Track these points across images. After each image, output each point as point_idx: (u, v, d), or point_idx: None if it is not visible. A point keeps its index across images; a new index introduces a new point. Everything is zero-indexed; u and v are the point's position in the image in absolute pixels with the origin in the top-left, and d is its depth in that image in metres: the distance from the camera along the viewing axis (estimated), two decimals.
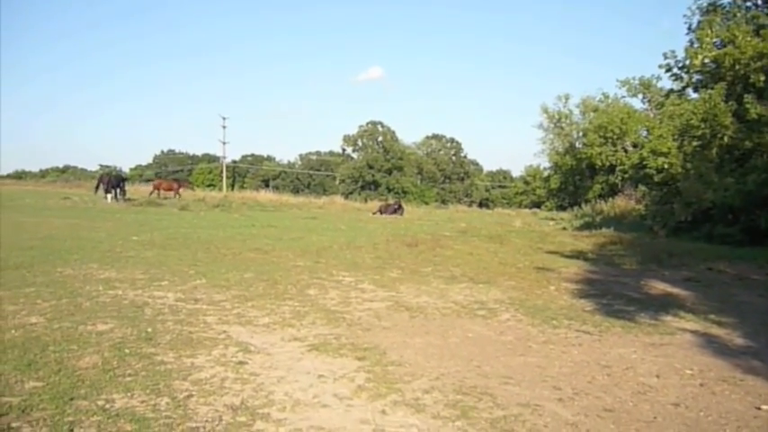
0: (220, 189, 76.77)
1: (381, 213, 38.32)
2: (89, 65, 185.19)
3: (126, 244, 15.29)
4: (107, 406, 5.00)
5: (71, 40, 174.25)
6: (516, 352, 7.45)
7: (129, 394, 5.29)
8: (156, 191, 43.99)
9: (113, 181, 36.71)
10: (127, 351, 6.47)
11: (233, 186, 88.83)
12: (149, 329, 7.42)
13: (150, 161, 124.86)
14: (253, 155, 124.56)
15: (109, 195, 35.30)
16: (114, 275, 11.03)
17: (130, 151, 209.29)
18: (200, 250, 14.71)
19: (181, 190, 45.19)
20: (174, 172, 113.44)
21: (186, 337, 7.24)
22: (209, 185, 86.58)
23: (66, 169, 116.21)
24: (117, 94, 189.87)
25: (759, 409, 5.75)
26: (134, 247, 14.89)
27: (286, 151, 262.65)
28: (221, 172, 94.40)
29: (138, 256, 13.49)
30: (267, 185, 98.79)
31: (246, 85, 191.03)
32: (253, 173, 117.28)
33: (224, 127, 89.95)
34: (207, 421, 4.82)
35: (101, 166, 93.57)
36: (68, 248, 13.98)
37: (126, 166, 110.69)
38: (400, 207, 41.33)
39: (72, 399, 5.09)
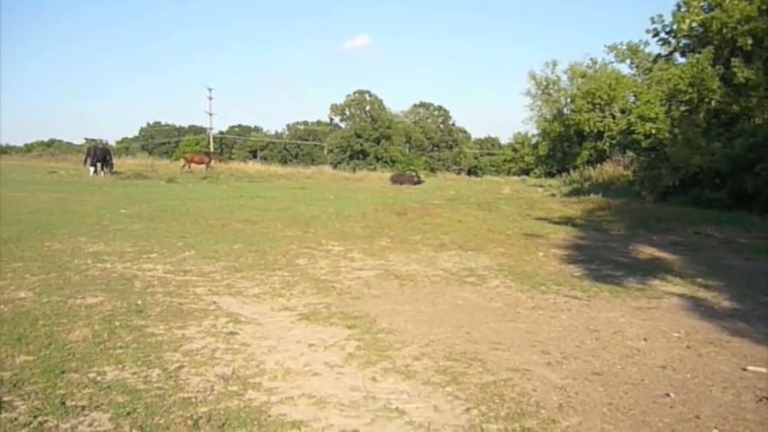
0: None
1: (398, 183, 37.91)
2: (75, 40, 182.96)
3: (114, 217, 15.23)
4: (98, 378, 5.00)
5: (57, 17, 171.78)
6: (505, 318, 7.50)
7: (120, 366, 5.29)
8: (188, 164, 43.76)
9: (99, 154, 36.28)
10: (117, 324, 6.46)
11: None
12: (139, 302, 7.42)
13: (136, 134, 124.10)
14: (240, 126, 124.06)
15: (91, 168, 34.86)
16: (103, 248, 10.99)
17: (116, 124, 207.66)
18: (188, 222, 14.68)
19: (212, 163, 45.01)
20: (161, 144, 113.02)
21: (176, 308, 7.24)
22: (184, 157, 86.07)
23: (51, 143, 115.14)
24: (102, 67, 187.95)
25: (745, 369, 5.81)
26: (122, 219, 14.83)
27: (273, 122, 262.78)
28: (208, 143, 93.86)
29: (127, 228, 13.44)
30: (255, 156, 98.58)
31: (232, 55, 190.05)
32: (240, 144, 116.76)
33: (210, 98, 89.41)
34: (198, 391, 4.84)
35: (86, 139, 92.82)
36: (56, 222, 13.91)
37: (112, 139, 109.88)
38: (418, 178, 41.13)
39: (63, 372, 5.08)
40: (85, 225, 13.73)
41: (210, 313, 7.13)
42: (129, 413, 4.38)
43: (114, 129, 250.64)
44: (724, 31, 27.98)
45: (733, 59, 27.49)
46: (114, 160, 39.41)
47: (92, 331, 6.16)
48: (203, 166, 44.04)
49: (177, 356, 5.62)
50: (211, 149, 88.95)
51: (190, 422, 4.28)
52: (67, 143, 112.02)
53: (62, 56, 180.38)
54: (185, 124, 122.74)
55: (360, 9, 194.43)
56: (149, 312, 7.00)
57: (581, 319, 7.57)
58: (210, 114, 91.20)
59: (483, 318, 7.45)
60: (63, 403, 4.49)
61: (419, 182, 39.03)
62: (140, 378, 5.05)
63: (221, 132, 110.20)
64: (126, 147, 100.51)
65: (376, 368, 5.52)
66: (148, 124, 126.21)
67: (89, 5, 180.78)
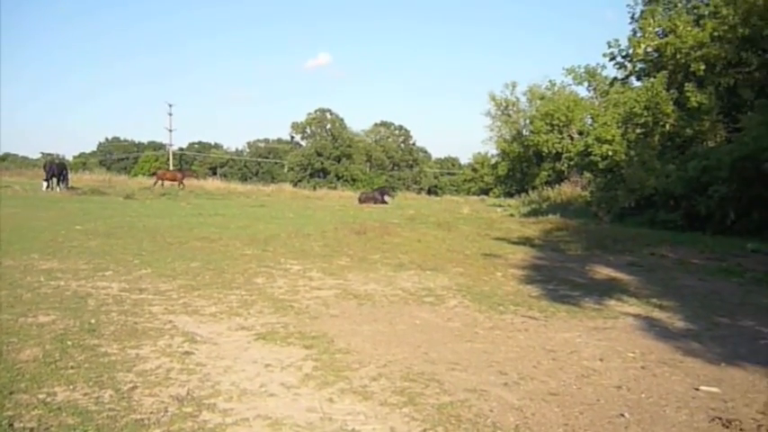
0: None
1: (362, 203, 37.22)
2: (31, 50, 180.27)
3: (69, 233, 14.96)
4: (48, 399, 4.90)
5: (18, 34, 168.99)
6: (463, 338, 7.51)
7: (71, 387, 5.19)
8: (160, 181, 43.11)
9: (54, 169, 35.65)
10: (69, 343, 6.34)
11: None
12: (92, 320, 7.28)
13: (94, 149, 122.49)
14: (200, 142, 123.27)
15: (45, 183, 34.25)
16: (56, 266, 10.80)
17: (73, 139, 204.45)
18: (145, 239, 14.48)
19: (185, 180, 44.38)
20: (120, 160, 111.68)
21: (131, 327, 7.13)
22: (154, 174, 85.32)
23: (5, 157, 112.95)
24: (59, 79, 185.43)
25: (698, 389, 5.90)
26: (77, 236, 14.58)
27: (234, 139, 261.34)
28: (167, 160, 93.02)
29: (82, 245, 13.22)
30: (215, 173, 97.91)
31: (193, 71, 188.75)
32: (200, 160, 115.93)
33: (170, 114, 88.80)
34: (152, 413, 4.76)
35: (42, 153, 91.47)
36: (8, 239, 13.62)
37: (69, 154, 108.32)
38: (385, 192, 40.35)
39: (12, 392, 4.97)
40: (39, 241, 13.46)
41: (166, 332, 7.03)
42: None
43: (72, 143, 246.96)
44: (678, 56, 28.60)
45: (686, 84, 28.09)
46: (71, 175, 38.77)
47: (43, 350, 6.03)
48: (176, 182, 43.49)
49: (130, 377, 5.53)
50: (171, 166, 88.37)
51: None
52: (23, 157, 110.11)
53: (20, 70, 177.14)
54: (144, 140, 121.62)
55: (322, 27, 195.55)
56: (103, 331, 6.88)
57: (538, 339, 7.62)
58: (170, 131, 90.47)
59: (441, 338, 7.46)
60: (11, 425, 4.39)
61: (383, 199, 38.21)
62: (92, 399, 4.95)
63: (181, 149, 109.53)
64: (83, 162, 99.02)
65: (333, 389, 5.49)
66: (107, 139, 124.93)
67: (49, 23, 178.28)
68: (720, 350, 7.37)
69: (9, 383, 5.16)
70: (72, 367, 5.65)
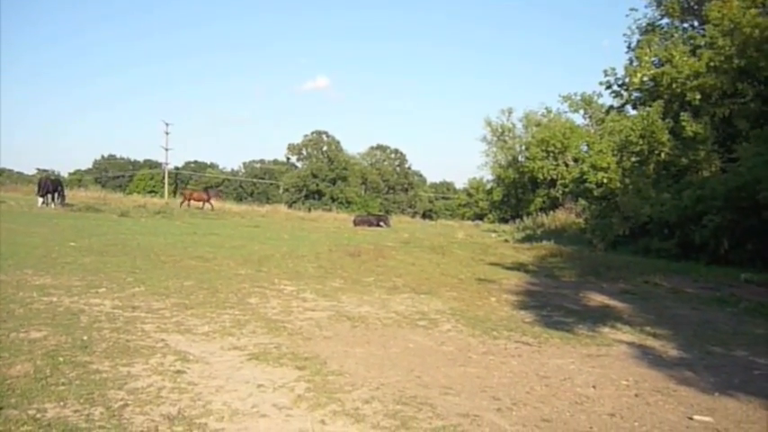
0: (162, 196, 75.56)
1: (357, 225, 37.08)
2: (27, 66, 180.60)
3: (63, 250, 14.91)
4: (38, 416, 4.86)
5: (10, 43, 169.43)
6: (456, 362, 7.49)
7: (61, 403, 5.15)
8: (187, 201, 42.87)
9: (50, 185, 35.53)
10: (61, 359, 6.30)
11: (175, 193, 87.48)
12: (85, 337, 7.25)
13: (90, 166, 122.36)
14: (196, 162, 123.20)
15: (40, 199, 34.17)
16: (50, 282, 10.75)
17: (70, 155, 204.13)
18: (139, 257, 14.44)
19: (212, 200, 44.14)
20: (115, 177, 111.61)
21: (123, 345, 7.09)
22: (150, 192, 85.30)
23: (1, 173, 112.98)
24: (55, 96, 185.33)
25: (691, 419, 5.88)
26: (71, 253, 14.53)
27: (230, 159, 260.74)
28: (163, 178, 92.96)
29: (76, 262, 13.17)
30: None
31: (191, 91, 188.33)
32: (195, 180, 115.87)
33: (167, 133, 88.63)
34: (142, 431, 4.73)
35: (38, 169, 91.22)
36: (2, 253, 13.56)
37: (65, 171, 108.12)
38: (382, 219, 40.20)
39: (1, 408, 4.93)
40: (33, 257, 13.41)
41: (158, 351, 6.99)
42: None
43: (68, 160, 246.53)
44: (674, 85, 28.78)
45: (682, 114, 28.25)
46: (66, 192, 38.64)
47: (34, 366, 5.99)
48: (201, 203, 43.25)
49: (122, 394, 5.49)
50: (166, 185, 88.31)
51: None
52: (18, 173, 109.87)
53: (16, 86, 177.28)
54: (140, 158, 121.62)
55: (321, 50, 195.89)
56: (95, 348, 6.84)
57: (531, 365, 7.60)
58: (167, 149, 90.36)
59: (434, 362, 7.44)
60: None
61: (378, 224, 37.94)
62: (82, 416, 4.92)
63: (177, 168, 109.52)
64: (79, 179, 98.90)
65: (325, 411, 5.46)
66: (103, 157, 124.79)
67: (46, 38, 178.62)
68: (714, 379, 7.36)
69: None
70: (63, 384, 5.62)
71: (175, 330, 8.04)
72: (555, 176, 50.51)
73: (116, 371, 6.14)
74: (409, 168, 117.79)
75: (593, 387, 6.77)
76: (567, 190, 44.97)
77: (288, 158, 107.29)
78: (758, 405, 6.39)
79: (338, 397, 5.83)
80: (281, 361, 6.92)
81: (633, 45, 33.70)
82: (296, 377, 6.36)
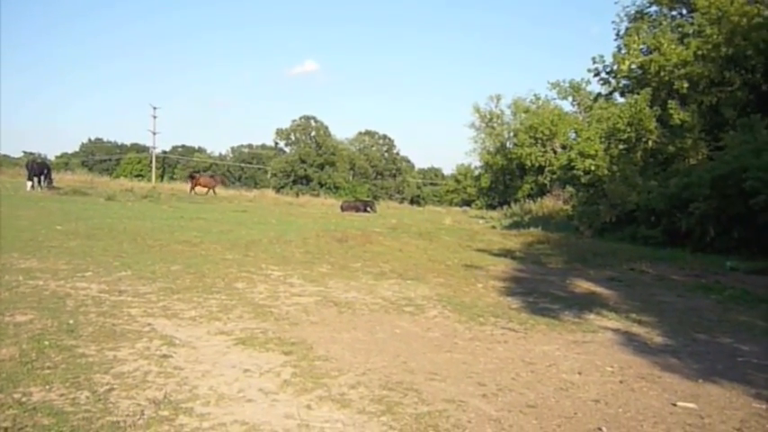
0: (149, 180, 75.16)
1: (344, 211, 37.04)
2: (14, 51, 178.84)
3: (49, 233, 14.81)
4: (23, 399, 4.84)
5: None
6: (442, 348, 7.52)
7: (47, 387, 5.13)
8: (193, 186, 41.99)
9: (36, 168, 35.30)
10: (46, 343, 6.27)
11: (162, 177, 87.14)
12: (71, 321, 7.22)
13: (77, 149, 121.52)
14: (183, 146, 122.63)
15: (29, 183, 33.96)
16: (36, 265, 10.69)
17: (56, 138, 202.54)
18: (126, 241, 14.37)
19: (217, 188, 43.40)
20: (102, 161, 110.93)
21: (109, 329, 7.07)
22: (137, 176, 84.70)
23: None
24: (43, 80, 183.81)
25: (675, 405, 5.92)
26: (57, 236, 14.44)
27: (217, 143, 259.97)
28: (150, 162, 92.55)
29: (62, 245, 13.09)
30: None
31: (178, 75, 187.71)
32: (183, 164, 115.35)
33: (154, 117, 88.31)
34: (128, 415, 4.72)
35: (25, 153, 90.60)
36: None
37: (51, 154, 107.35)
38: (368, 205, 40.04)
39: None
40: (19, 240, 13.32)
41: (144, 335, 6.98)
42: None
43: (54, 143, 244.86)
44: (662, 73, 28.91)
45: (669, 101, 28.40)
46: (53, 175, 38.36)
47: (19, 350, 5.97)
48: (206, 190, 42.41)
49: (107, 378, 5.48)
50: (153, 169, 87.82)
51: None
52: (5, 156, 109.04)
53: (2, 70, 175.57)
54: (127, 142, 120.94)
55: (309, 35, 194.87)
56: (81, 332, 6.81)
57: (517, 351, 7.63)
58: (154, 133, 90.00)
59: (420, 348, 7.46)
60: None
61: (365, 210, 37.88)
62: (68, 400, 4.90)
63: (164, 152, 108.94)
64: (66, 162, 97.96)
65: (311, 396, 5.47)
66: (90, 140, 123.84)
67: (33, 24, 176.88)
68: (698, 366, 7.42)
69: None
70: (48, 367, 5.60)
71: (162, 315, 8.02)
72: (543, 163, 50.70)
73: (102, 355, 6.12)
74: (397, 154, 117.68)
75: (579, 373, 6.81)
76: (554, 177, 45.15)
77: (276, 143, 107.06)
78: (741, 392, 6.45)
79: (324, 382, 5.84)
80: (267, 346, 6.92)
81: (622, 32, 33.84)
82: (282, 362, 6.36)
